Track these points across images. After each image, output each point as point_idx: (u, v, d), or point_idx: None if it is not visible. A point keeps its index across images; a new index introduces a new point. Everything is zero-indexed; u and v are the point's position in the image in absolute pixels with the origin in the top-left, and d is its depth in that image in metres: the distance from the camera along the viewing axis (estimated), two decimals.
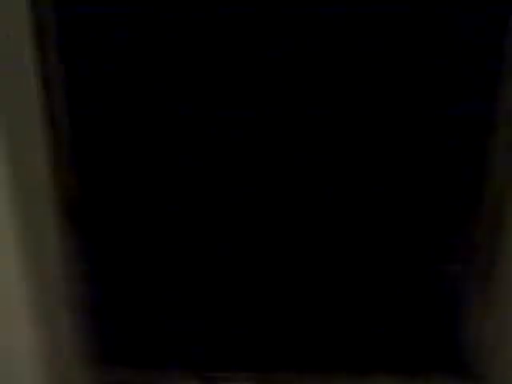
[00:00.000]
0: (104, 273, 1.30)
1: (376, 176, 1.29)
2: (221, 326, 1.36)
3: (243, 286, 1.36)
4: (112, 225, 1.30)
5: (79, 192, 1.18)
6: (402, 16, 1.19)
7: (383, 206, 1.30)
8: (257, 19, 1.20)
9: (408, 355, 1.35)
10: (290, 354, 1.35)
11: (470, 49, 1.18)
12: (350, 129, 1.26)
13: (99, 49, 1.20)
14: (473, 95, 1.19)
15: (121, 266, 1.32)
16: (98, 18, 1.17)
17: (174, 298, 1.35)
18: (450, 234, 1.29)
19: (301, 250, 1.35)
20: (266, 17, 1.19)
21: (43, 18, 1.03)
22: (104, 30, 1.19)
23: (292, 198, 1.32)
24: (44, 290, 1.17)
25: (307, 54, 1.23)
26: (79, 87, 1.18)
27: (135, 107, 1.24)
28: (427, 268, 1.33)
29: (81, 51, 1.18)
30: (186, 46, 1.22)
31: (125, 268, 1.33)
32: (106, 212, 1.30)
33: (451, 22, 1.18)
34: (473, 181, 1.21)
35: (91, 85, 1.22)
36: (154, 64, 1.23)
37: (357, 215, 1.32)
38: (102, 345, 1.29)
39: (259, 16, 1.19)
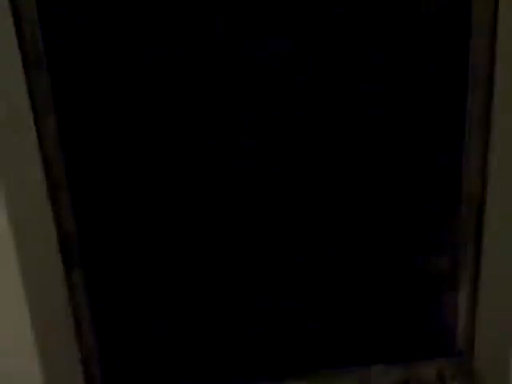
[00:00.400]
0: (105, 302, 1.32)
1: (360, 176, 1.31)
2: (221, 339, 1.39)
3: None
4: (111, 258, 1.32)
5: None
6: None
7: (368, 204, 1.33)
8: None
9: (394, 344, 1.40)
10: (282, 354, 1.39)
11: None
12: (335, 129, 1.28)
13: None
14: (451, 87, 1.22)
15: (121, 295, 1.35)
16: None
17: (175, 318, 1.38)
18: (434, 230, 1.33)
19: (288, 246, 1.36)
20: None
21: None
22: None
23: (283, 200, 1.33)
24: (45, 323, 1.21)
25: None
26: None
27: (130, 149, 1.25)
28: (410, 262, 1.36)
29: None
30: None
31: (126, 301, 1.35)
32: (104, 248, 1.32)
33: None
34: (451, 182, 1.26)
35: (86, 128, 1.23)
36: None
37: (343, 213, 1.34)
38: (102, 366, 1.33)
39: None
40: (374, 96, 1.24)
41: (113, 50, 1.17)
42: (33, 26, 1.05)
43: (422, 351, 1.39)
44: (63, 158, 1.14)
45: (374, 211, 1.33)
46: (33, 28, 1.05)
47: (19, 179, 1.10)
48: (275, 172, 1.29)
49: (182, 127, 1.24)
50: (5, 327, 1.21)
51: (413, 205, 1.31)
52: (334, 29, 1.20)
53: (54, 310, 1.22)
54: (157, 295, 1.33)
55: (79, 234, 1.22)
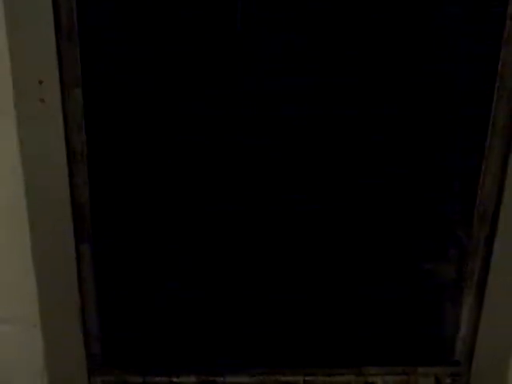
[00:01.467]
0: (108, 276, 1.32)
1: (369, 181, 1.31)
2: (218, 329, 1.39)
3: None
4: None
5: None
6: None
7: (373, 206, 1.33)
8: None
9: (394, 348, 1.40)
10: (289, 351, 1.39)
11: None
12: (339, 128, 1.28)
13: None
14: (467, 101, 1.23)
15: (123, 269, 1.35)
16: None
17: (174, 299, 1.38)
18: (442, 236, 1.34)
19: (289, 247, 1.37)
20: None
21: None
22: None
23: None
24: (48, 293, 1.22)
25: None
26: None
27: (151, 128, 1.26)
28: (416, 267, 1.37)
29: None
30: None
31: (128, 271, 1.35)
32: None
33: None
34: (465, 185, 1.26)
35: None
36: None
37: (347, 215, 1.34)
38: (103, 347, 1.33)
39: None
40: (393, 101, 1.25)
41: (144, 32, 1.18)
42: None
43: (422, 357, 1.39)
44: (84, 129, 1.14)
45: (381, 216, 1.33)
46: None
47: (40, 148, 1.11)
48: (283, 170, 1.30)
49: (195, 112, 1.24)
50: (11, 294, 1.22)
51: (423, 210, 1.32)
52: (349, 31, 1.21)
53: (61, 283, 1.23)
54: (162, 276, 1.34)
55: (92, 208, 1.22)
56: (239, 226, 1.33)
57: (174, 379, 1.35)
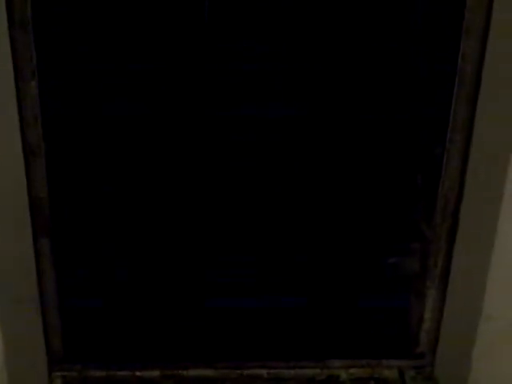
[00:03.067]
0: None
1: (337, 177, 1.32)
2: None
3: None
4: None
5: None
6: None
7: (343, 204, 1.33)
8: None
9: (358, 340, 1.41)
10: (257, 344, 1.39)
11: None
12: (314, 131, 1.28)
13: None
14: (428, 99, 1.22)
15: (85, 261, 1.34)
16: None
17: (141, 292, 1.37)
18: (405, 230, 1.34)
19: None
20: None
21: None
22: None
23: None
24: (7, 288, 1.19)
25: None
26: None
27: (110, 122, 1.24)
28: (381, 261, 1.37)
29: None
30: None
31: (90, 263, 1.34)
32: None
33: None
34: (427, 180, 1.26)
35: None
36: None
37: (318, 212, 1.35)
38: (64, 342, 1.32)
39: None
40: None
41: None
42: None
43: (386, 350, 1.39)
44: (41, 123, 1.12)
45: (347, 211, 1.33)
46: None
47: None
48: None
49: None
50: None
51: (387, 206, 1.32)
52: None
53: (20, 278, 1.21)
54: (124, 269, 1.33)
55: (50, 202, 1.20)
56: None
57: (138, 373, 1.34)
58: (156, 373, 1.34)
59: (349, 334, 1.41)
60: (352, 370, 1.37)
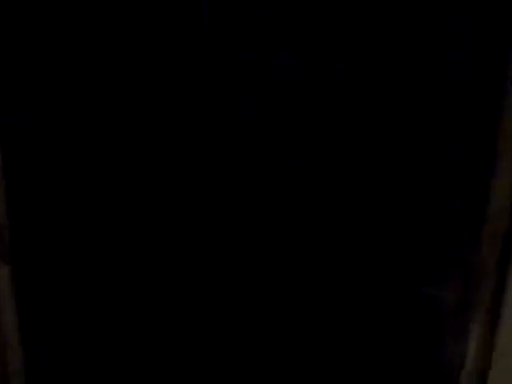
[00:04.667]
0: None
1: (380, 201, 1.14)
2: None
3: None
4: None
5: None
6: None
7: (384, 229, 1.15)
8: None
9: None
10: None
11: None
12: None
13: None
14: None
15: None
16: None
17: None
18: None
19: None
20: None
21: None
22: None
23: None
24: None
25: None
26: None
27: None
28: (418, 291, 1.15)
29: None
30: None
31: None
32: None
33: None
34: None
35: None
36: None
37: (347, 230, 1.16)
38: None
39: None
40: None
41: None
42: None
43: None
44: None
45: (388, 235, 1.13)
46: None
47: None
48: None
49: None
50: None
51: (432, 234, 1.10)
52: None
53: None
54: (90, 302, 1.14)
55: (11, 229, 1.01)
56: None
57: None
58: None
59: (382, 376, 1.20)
60: None
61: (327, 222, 1.14)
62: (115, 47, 1.03)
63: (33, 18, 1.01)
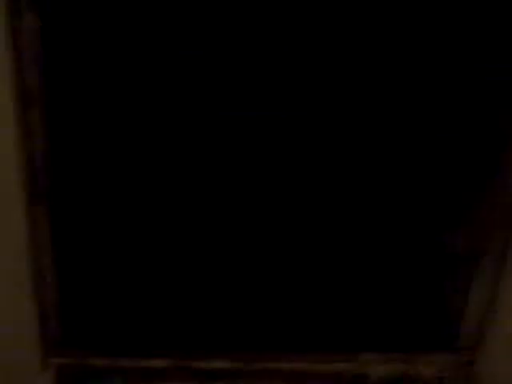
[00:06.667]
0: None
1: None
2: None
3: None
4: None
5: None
6: None
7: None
8: None
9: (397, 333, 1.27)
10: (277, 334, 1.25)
11: None
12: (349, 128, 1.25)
13: None
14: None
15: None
16: None
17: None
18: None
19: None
20: None
21: None
22: None
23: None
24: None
25: None
26: None
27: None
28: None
29: None
30: None
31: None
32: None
33: None
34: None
35: None
36: None
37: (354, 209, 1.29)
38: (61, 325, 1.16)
39: None
40: None
41: None
42: None
43: (425, 344, 1.24)
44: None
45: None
46: None
47: None
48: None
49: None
50: None
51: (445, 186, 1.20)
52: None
53: (11, 249, 1.05)
54: (128, 248, 1.20)
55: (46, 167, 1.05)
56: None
57: (144, 364, 1.18)
58: (164, 363, 1.19)
59: (383, 327, 1.26)
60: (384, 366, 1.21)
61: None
62: None
63: None
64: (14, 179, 0.99)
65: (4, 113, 0.93)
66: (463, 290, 1.18)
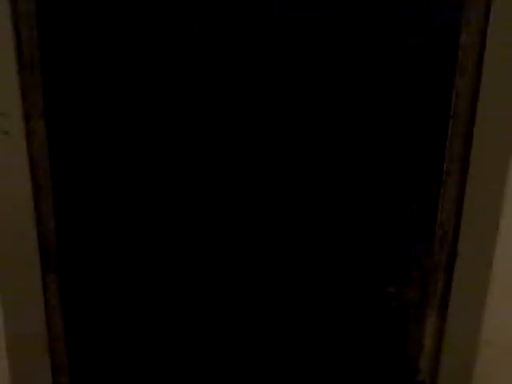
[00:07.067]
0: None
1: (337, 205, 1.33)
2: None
3: None
4: None
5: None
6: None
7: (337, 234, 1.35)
8: None
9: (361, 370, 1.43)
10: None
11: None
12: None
13: None
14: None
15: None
16: None
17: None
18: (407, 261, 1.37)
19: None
20: None
21: None
22: None
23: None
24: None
25: None
26: None
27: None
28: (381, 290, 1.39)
29: None
30: None
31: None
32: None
33: None
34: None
35: None
36: None
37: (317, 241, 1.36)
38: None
39: None
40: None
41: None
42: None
43: (385, 378, 1.41)
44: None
45: (346, 242, 1.34)
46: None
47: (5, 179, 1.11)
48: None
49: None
50: None
51: (387, 234, 1.34)
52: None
53: (28, 314, 1.22)
54: (131, 306, 1.33)
55: (58, 239, 1.22)
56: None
57: None
58: None
59: (349, 364, 1.43)
60: None
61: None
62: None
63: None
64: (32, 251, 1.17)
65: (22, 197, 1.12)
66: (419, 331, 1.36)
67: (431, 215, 1.26)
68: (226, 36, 1.21)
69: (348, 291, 1.38)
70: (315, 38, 1.22)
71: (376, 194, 1.30)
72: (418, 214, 1.30)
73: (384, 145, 1.27)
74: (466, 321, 1.30)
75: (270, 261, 1.35)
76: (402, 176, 1.29)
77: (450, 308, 1.30)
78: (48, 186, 1.17)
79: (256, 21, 1.20)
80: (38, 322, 1.23)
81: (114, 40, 1.16)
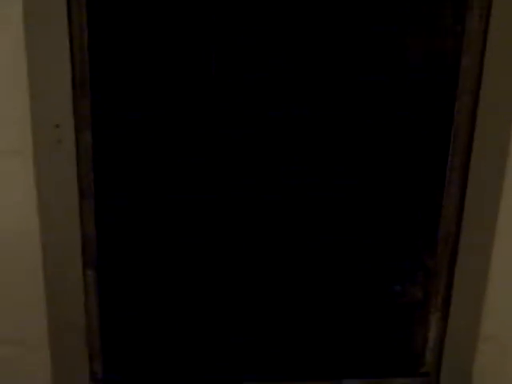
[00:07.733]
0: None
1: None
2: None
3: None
4: None
5: None
6: None
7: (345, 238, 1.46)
8: None
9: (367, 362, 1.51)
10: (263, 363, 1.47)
11: None
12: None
13: None
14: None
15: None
16: None
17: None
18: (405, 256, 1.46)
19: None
20: None
21: None
22: None
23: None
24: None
25: None
26: None
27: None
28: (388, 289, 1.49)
29: None
30: None
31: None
32: None
33: None
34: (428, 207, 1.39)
35: None
36: None
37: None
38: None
39: None
40: None
41: None
42: None
43: (393, 370, 1.51)
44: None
45: (352, 244, 1.45)
46: None
47: (54, 184, 1.24)
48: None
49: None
50: (22, 316, 1.33)
51: (390, 234, 1.43)
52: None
53: (69, 306, 1.34)
54: (165, 298, 1.43)
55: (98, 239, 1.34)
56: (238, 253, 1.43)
57: None
58: None
59: (357, 355, 1.52)
60: None
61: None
62: None
63: None
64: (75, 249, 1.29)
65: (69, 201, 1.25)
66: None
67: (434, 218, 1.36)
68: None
69: (359, 289, 1.47)
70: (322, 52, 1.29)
71: (382, 198, 1.39)
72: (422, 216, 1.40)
73: (390, 149, 1.37)
74: (467, 317, 1.40)
75: (277, 260, 1.46)
76: (406, 182, 1.38)
77: (452, 305, 1.40)
78: (91, 189, 1.29)
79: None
80: (78, 313, 1.35)
81: (149, 62, 1.29)
